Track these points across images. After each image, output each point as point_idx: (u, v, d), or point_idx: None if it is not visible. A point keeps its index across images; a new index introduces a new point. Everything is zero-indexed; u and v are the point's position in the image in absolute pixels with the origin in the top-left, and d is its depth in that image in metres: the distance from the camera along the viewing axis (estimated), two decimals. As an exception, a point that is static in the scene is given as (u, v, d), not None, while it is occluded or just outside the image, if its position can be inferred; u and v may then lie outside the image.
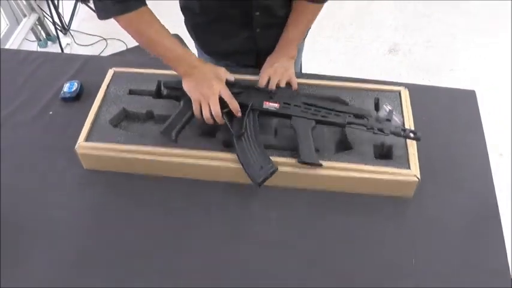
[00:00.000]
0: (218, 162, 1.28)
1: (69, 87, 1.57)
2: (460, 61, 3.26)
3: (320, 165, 1.23)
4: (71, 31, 3.50)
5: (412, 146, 1.28)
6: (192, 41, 1.67)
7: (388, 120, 1.26)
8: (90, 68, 1.68)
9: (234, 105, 1.26)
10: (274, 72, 1.40)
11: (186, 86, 1.31)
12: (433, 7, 3.55)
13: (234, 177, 1.30)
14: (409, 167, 1.25)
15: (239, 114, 1.27)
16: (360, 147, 1.30)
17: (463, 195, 1.31)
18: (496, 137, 2.61)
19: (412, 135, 1.22)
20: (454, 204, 1.28)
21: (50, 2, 3.23)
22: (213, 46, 1.61)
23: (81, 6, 3.62)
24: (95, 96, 1.55)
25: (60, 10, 3.38)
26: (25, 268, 1.20)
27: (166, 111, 1.39)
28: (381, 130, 1.22)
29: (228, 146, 1.29)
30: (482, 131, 1.47)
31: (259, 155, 1.23)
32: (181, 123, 1.30)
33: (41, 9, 3.31)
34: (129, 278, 1.17)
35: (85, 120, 1.49)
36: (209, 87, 1.26)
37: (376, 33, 3.21)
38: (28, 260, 1.21)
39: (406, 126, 1.30)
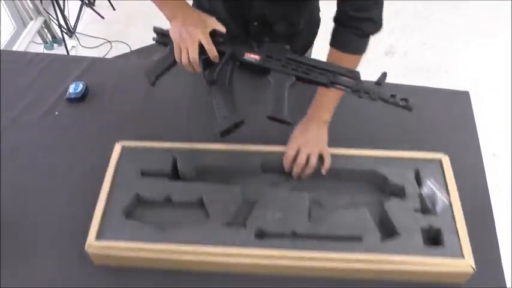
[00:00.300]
0: (250, 260, 1.13)
1: (75, 88, 1.58)
2: (455, 63, 3.24)
3: (290, 124, 1.13)
4: (76, 34, 3.52)
5: (462, 228, 1.15)
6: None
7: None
8: (95, 69, 1.69)
9: (212, 52, 1.16)
10: (305, 143, 1.29)
11: (170, 30, 1.22)
12: (430, 8, 3.54)
13: (269, 270, 1.17)
14: (462, 256, 1.12)
15: (216, 61, 1.18)
16: (406, 232, 1.15)
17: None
18: (489, 136, 2.60)
19: (402, 103, 1.05)
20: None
21: (56, 5, 3.26)
22: None
23: (86, 9, 3.64)
24: (100, 97, 1.57)
25: (65, 13, 3.41)
26: (27, 266, 1.22)
27: (186, 196, 1.25)
28: (367, 93, 1.07)
29: (261, 238, 1.17)
30: (476, 131, 1.49)
31: (227, 105, 1.18)
32: (163, 68, 1.26)
33: (47, 12, 3.33)
34: None
35: (89, 121, 1.50)
36: (189, 33, 1.15)
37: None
38: (28, 257, 1.23)
39: (451, 198, 1.20)
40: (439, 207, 1.18)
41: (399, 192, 1.24)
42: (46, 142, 1.46)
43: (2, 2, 3.05)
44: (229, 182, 1.30)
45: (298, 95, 1.18)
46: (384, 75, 1.09)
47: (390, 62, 3.17)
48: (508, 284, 1.19)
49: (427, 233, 1.17)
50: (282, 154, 1.29)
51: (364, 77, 1.46)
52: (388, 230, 1.19)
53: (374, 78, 1.09)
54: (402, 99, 1.04)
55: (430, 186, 1.20)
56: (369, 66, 3.23)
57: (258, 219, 1.19)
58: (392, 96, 1.05)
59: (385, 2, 1.24)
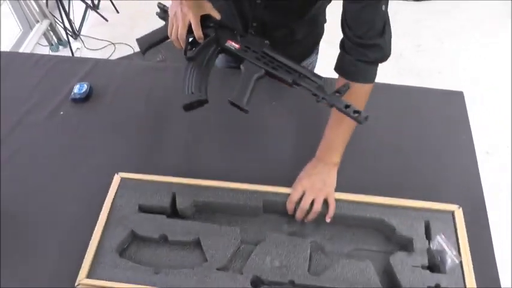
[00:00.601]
0: None
1: (79, 88, 1.58)
2: (448, 64, 3.31)
3: (246, 111, 1.11)
4: (81, 36, 3.52)
5: None
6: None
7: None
8: (99, 70, 1.70)
9: (197, 32, 1.19)
10: (311, 186, 1.23)
11: (169, 7, 1.27)
12: (422, 13, 3.58)
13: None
14: None
15: (201, 41, 1.20)
16: None
17: (451, 190, 1.32)
18: (482, 135, 2.62)
19: (353, 114, 1.02)
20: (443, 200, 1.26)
21: (61, 8, 3.27)
22: None
23: (90, 12, 3.64)
24: (103, 97, 1.57)
25: (71, 16, 3.41)
26: (27, 266, 1.21)
27: (182, 235, 1.19)
28: (324, 99, 1.05)
29: (256, 286, 1.12)
30: (470, 130, 1.49)
31: (197, 82, 1.18)
32: (156, 39, 1.31)
33: (53, 15, 3.34)
34: None
35: (93, 122, 1.50)
36: (182, 12, 1.19)
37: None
38: (28, 257, 1.22)
39: (462, 256, 1.13)
40: (448, 266, 1.10)
41: (407, 245, 1.18)
42: (52, 141, 1.47)
43: (8, 4, 3.04)
44: (229, 221, 1.25)
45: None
46: (346, 86, 1.07)
47: (385, 64, 3.15)
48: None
49: None
50: (284, 195, 1.23)
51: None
52: (392, 286, 1.13)
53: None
54: (355, 112, 1.02)
55: (439, 242, 1.12)
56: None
57: (256, 266, 1.13)
58: (347, 106, 1.03)
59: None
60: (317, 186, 1.23)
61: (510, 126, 2.85)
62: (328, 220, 1.21)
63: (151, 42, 1.32)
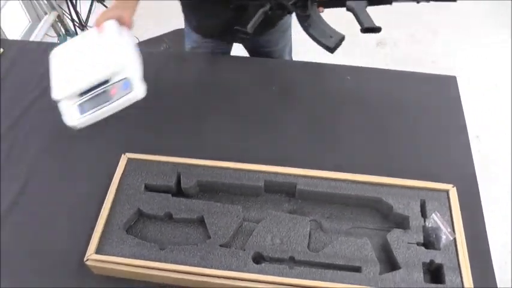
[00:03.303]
0: (245, 284, 1.07)
1: (86, 74, 1.55)
2: (441, 53, 3.29)
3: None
4: (88, 27, 3.48)
5: (465, 266, 1.08)
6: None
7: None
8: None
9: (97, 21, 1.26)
10: None
11: None
12: (417, 5, 3.55)
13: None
14: None
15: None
16: (406, 267, 1.08)
17: (446, 170, 1.31)
18: (473, 120, 2.63)
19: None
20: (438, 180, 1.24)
21: (68, 1, 3.23)
22: (198, 23, 1.63)
23: (97, 5, 3.60)
24: None
25: (78, 8, 3.37)
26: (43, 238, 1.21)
27: (187, 213, 1.18)
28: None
29: (258, 263, 1.11)
30: (463, 114, 1.48)
31: (326, 28, 1.24)
32: None
33: (61, 7, 3.31)
34: None
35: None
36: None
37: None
38: (47, 230, 1.22)
39: (456, 233, 1.12)
40: (442, 242, 1.10)
41: (403, 223, 1.17)
42: (61, 124, 1.45)
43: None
44: (232, 200, 1.25)
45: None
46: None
47: (381, 53, 3.19)
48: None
49: (428, 268, 1.11)
50: (285, 175, 1.22)
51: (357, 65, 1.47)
52: (388, 262, 1.13)
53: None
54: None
55: (434, 219, 1.12)
56: (362, 56, 3.27)
57: (257, 243, 1.13)
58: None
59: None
60: None
61: (500, 113, 2.85)
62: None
63: None
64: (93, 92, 1.22)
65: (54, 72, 1.30)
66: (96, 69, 1.23)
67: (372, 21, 1.19)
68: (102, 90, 1.22)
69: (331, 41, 1.21)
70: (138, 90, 1.22)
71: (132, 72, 1.24)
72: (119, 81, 1.22)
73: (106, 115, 1.25)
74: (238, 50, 1.90)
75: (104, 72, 1.23)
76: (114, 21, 1.26)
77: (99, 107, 1.22)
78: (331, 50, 1.21)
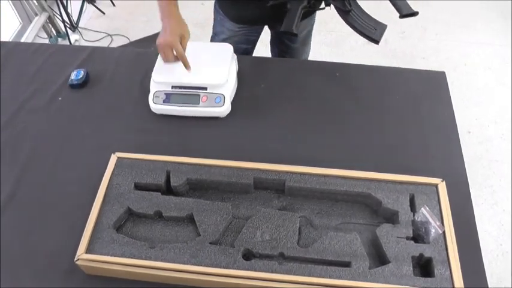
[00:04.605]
0: (235, 280, 1.06)
1: (76, 75, 1.57)
2: (430, 50, 3.32)
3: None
4: (79, 28, 3.48)
5: (454, 259, 1.08)
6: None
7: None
8: (95, 57, 1.68)
9: (185, 62, 1.38)
10: None
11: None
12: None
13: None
14: None
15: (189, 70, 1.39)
16: (396, 261, 1.08)
17: (435, 165, 1.32)
18: (464, 116, 2.65)
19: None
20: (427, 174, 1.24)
21: (59, 2, 3.22)
22: (238, 12, 1.69)
23: (88, 6, 3.60)
24: (100, 83, 1.58)
25: (68, 9, 3.37)
26: (33, 238, 1.21)
27: (176, 211, 1.17)
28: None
29: (248, 259, 1.10)
30: (452, 109, 1.49)
31: (370, 21, 1.30)
32: None
33: (51, 8, 3.29)
34: None
35: (90, 106, 1.51)
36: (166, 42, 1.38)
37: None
38: (37, 230, 1.22)
39: (445, 227, 1.11)
40: (431, 236, 1.10)
41: (392, 217, 1.17)
42: (51, 124, 1.45)
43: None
44: (221, 198, 1.24)
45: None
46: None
47: (372, 49, 3.19)
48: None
49: (418, 262, 1.11)
50: (274, 172, 1.22)
51: (348, 61, 1.47)
52: (378, 257, 1.13)
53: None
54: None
55: (424, 213, 1.12)
56: (353, 52, 3.28)
57: (247, 239, 1.12)
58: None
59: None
60: None
61: (490, 109, 2.87)
62: None
63: None
64: (185, 90, 1.40)
65: (161, 58, 1.45)
66: (202, 75, 1.41)
67: (410, 7, 1.24)
68: (194, 93, 1.40)
69: (377, 34, 1.28)
70: (225, 109, 1.41)
71: (230, 93, 1.42)
72: (215, 93, 1.40)
73: (183, 114, 1.41)
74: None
75: (208, 80, 1.41)
76: (231, 46, 1.48)
77: (183, 104, 1.40)
78: (377, 42, 1.29)
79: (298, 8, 1.29)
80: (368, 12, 1.32)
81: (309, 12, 1.39)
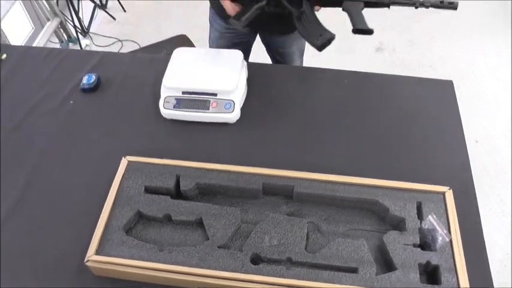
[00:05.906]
0: (243, 284, 1.06)
1: (88, 79, 1.58)
2: (438, 58, 3.32)
3: (372, 32, 1.23)
4: (90, 33, 3.52)
5: (461, 267, 1.08)
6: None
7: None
8: (106, 62, 1.69)
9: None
10: None
11: None
12: (414, 10, 3.57)
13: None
14: None
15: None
16: (403, 268, 1.08)
17: (442, 173, 1.32)
18: (472, 125, 2.65)
19: (450, 5, 1.22)
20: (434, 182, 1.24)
21: (71, 7, 3.26)
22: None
23: (99, 11, 3.63)
24: (111, 88, 1.58)
25: (80, 15, 3.40)
26: (45, 239, 1.21)
27: (185, 215, 1.18)
28: (422, 5, 1.24)
29: (256, 264, 1.11)
30: (460, 118, 1.49)
31: (317, 26, 1.28)
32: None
33: (63, 14, 3.32)
34: None
35: (101, 110, 1.52)
36: None
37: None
38: (48, 231, 1.23)
39: (452, 235, 1.12)
40: (438, 244, 1.10)
41: (399, 225, 1.17)
42: (63, 128, 1.47)
43: (21, 3, 3.04)
44: (230, 203, 1.25)
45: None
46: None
47: (380, 57, 3.20)
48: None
49: (425, 269, 1.11)
50: (283, 178, 1.23)
51: (356, 69, 1.48)
52: (385, 263, 1.13)
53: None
54: (450, 3, 1.22)
55: (431, 221, 1.12)
56: (361, 60, 3.28)
57: (255, 244, 1.13)
58: (441, 1, 1.21)
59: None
60: None
61: (498, 119, 2.87)
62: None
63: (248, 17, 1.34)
64: (196, 96, 1.41)
65: (172, 64, 1.49)
66: (212, 81, 1.42)
67: (365, 23, 1.21)
68: (204, 99, 1.41)
69: (320, 40, 1.24)
70: (235, 115, 1.42)
71: (239, 99, 1.44)
72: (225, 99, 1.40)
73: (193, 119, 1.42)
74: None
75: (218, 86, 1.42)
76: (241, 53, 1.48)
77: (193, 110, 1.41)
78: (319, 48, 1.25)
79: (253, 6, 1.29)
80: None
81: (282, 15, 1.39)
